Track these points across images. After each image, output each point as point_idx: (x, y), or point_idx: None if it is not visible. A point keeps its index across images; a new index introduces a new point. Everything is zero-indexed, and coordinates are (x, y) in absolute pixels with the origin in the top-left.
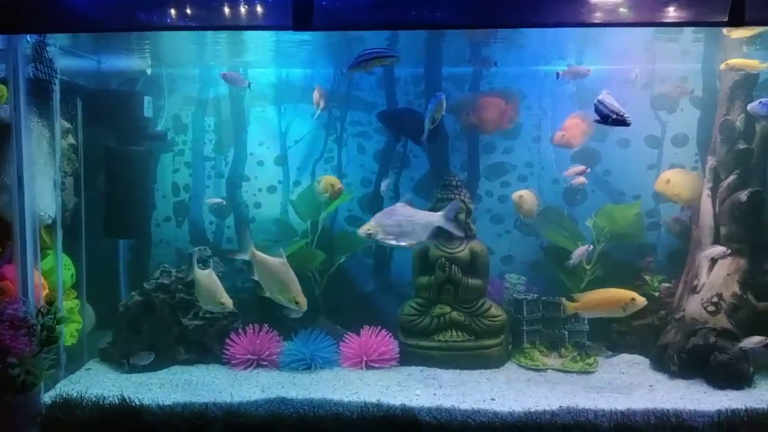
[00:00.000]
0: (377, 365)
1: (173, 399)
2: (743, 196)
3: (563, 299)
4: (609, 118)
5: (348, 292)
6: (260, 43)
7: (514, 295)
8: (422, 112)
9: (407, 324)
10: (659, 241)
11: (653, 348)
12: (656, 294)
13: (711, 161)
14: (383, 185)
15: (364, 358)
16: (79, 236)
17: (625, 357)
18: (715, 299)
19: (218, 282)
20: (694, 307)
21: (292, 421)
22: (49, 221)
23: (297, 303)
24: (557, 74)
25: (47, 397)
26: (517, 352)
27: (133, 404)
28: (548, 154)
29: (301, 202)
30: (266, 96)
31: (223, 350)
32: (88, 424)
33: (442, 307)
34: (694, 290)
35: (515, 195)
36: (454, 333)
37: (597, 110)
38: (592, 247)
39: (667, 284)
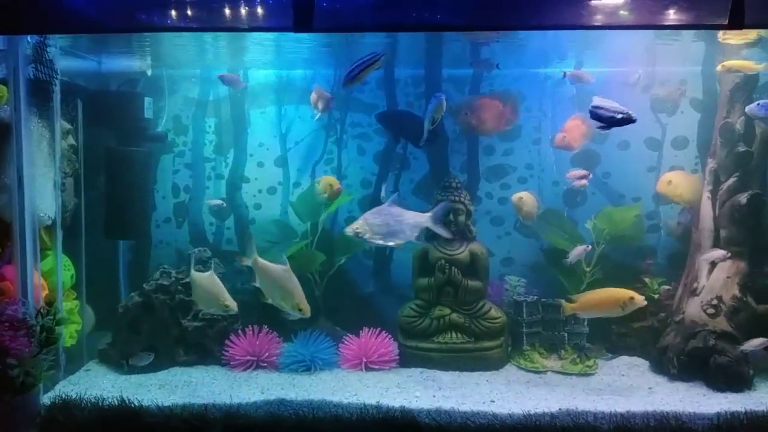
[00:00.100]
0: (377, 367)
1: (172, 400)
2: (743, 198)
3: (562, 300)
4: (614, 119)
5: (348, 293)
6: (260, 44)
7: (514, 297)
8: (422, 115)
9: (407, 325)
10: (659, 243)
11: (653, 350)
12: (656, 296)
13: (711, 164)
14: (383, 189)
15: (364, 360)
16: (78, 237)
17: (625, 359)
18: (714, 302)
19: (221, 284)
20: (693, 309)
21: (291, 423)
22: (49, 222)
23: (300, 310)
24: (564, 73)
25: (46, 398)
26: (517, 354)
27: (133, 405)
28: (548, 156)
29: (301, 204)
30: (266, 97)
31: (223, 351)
32: (87, 425)
33: (442, 309)
34: (693, 293)
35: (515, 197)
36: (454, 335)
37: (596, 116)
38: (590, 247)
39: (666, 287)
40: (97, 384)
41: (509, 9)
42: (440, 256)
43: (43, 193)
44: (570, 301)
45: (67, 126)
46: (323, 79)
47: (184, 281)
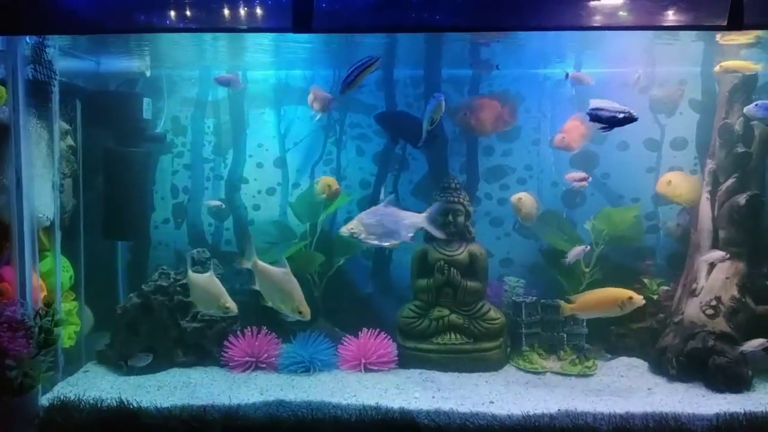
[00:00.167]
0: (376, 368)
1: (171, 401)
2: (742, 199)
3: (560, 301)
4: (615, 119)
5: (347, 294)
6: (259, 44)
7: (513, 298)
8: (420, 115)
9: (406, 327)
10: (658, 244)
11: (652, 351)
12: (655, 297)
13: (710, 164)
14: (382, 192)
15: (363, 361)
16: (77, 238)
17: (624, 360)
18: (713, 302)
19: (220, 285)
20: (692, 310)
21: (290, 424)
22: (48, 223)
23: (300, 312)
24: (566, 74)
25: (45, 400)
26: (516, 355)
27: (131, 407)
28: (547, 157)
29: (300, 205)
30: (266, 98)
31: (222, 352)
32: (85, 427)
33: (441, 310)
34: (692, 293)
35: (514, 198)
36: (453, 336)
37: (597, 117)
38: (588, 247)
39: (665, 287)
40: (96, 385)
41: (509, 10)
42: (439, 257)
43: (42, 194)
44: (569, 301)
45: (66, 127)
46: (322, 80)
47: (182, 282)
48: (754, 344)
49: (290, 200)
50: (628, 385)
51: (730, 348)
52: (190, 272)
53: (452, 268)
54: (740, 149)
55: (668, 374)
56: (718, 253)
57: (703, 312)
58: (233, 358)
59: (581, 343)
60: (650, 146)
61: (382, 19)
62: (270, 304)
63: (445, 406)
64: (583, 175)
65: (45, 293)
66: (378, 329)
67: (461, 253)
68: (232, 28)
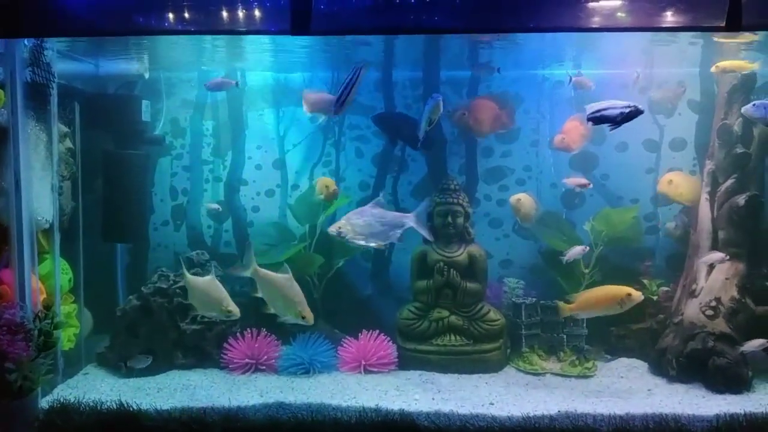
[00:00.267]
0: (376, 370)
1: (171, 404)
2: (741, 200)
3: (558, 302)
4: (623, 114)
5: (346, 296)
6: (258, 46)
7: (513, 299)
8: (418, 117)
9: (406, 328)
10: (657, 245)
11: (652, 352)
12: (655, 298)
13: (709, 165)
14: (381, 196)
15: (363, 363)
16: (76, 240)
17: (624, 361)
18: (713, 303)
19: (222, 288)
20: (692, 311)
21: (290, 426)
22: (47, 225)
23: (304, 318)
24: (570, 78)
25: (44, 402)
26: (516, 356)
27: (131, 409)
28: (546, 158)
29: (299, 206)
30: (264, 100)
31: (221, 354)
32: (85, 429)
33: (441, 312)
34: (692, 294)
35: (513, 198)
36: (453, 337)
37: (603, 118)
38: (588, 248)
39: (665, 288)
40: (96, 387)
41: (507, 11)
42: (439, 258)
43: (41, 196)
44: (567, 302)
45: (65, 129)
46: (321, 82)
47: (181, 285)
48: (754, 344)
49: (289, 202)
50: (628, 386)
51: (729, 349)
52: (188, 275)
53: (452, 270)
54: (739, 150)
55: (668, 375)
56: (718, 255)
57: (703, 313)
58: (233, 360)
59: (581, 345)
60: (649, 147)
61: (380, 21)
62: (272, 311)
63: (445, 407)
64: (584, 181)
65: (44, 296)
66: (378, 331)
67: (461, 254)
68: (230, 30)
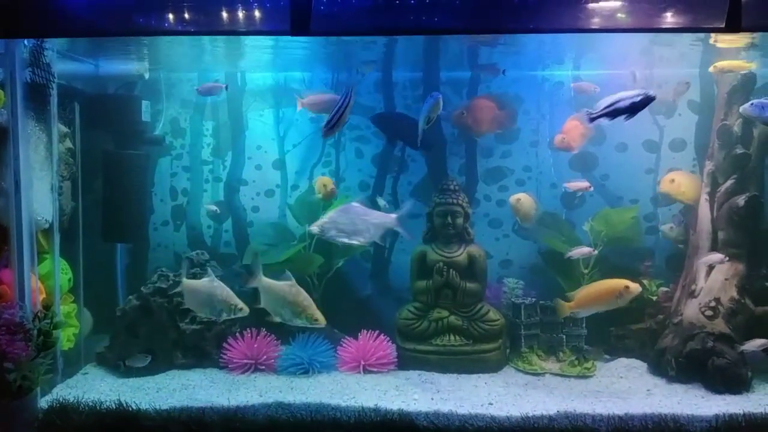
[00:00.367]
0: (375, 369)
1: (170, 403)
2: (741, 200)
3: (558, 300)
4: (635, 104)
5: (346, 296)
6: (258, 46)
7: (512, 300)
8: (417, 117)
9: (405, 328)
10: (657, 245)
11: (651, 352)
12: (654, 298)
13: (709, 166)
14: (380, 201)
15: (362, 363)
16: (76, 240)
17: (623, 361)
18: (713, 304)
19: (226, 286)
20: (692, 311)
21: (289, 426)
22: (47, 225)
23: (316, 320)
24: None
25: (44, 402)
26: (515, 356)
27: (130, 409)
28: (546, 159)
29: (298, 206)
30: (264, 100)
31: (221, 354)
32: (85, 429)
33: (440, 312)
34: (692, 295)
35: (513, 198)
36: (452, 337)
37: (616, 111)
38: (596, 251)
39: (665, 288)
40: (95, 387)
41: (507, 12)
42: (438, 258)
43: (41, 196)
44: (566, 300)
45: (65, 129)
46: (322, 82)
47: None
48: (755, 344)
49: (289, 202)
50: (627, 387)
51: (729, 349)
52: (185, 280)
53: (451, 270)
54: (739, 150)
55: (667, 375)
56: (717, 256)
57: (702, 313)
58: (232, 360)
59: (580, 345)
60: (649, 147)
61: (380, 21)
62: (279, 319)
63: (444, 407)
64: (585, 185)
65: (44, 296)
66: (377, 331)
67: (460, 254)
68: (230, 30)
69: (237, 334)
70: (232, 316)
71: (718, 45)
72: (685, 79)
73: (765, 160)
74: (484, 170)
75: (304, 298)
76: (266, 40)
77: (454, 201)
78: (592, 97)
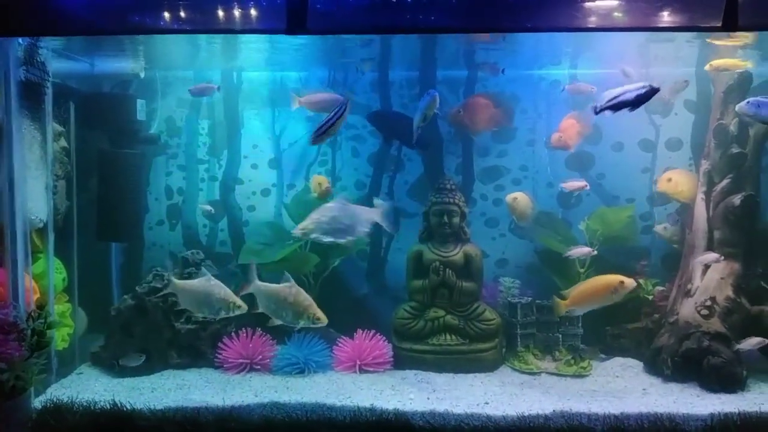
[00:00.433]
0: (371, 369)
1: (165, 403)
2: (737, 200)
3: (554, 297)
4: (640, 96)
5: (342, 295)
6: (254, 45)
7: (509, 299)
8: (413, 116)
9: (401, 327)
10: (653, 244)
11: (647, 351)
12: (650, 297)
13: (705, 165)
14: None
15: (358, 362)
16: (71, 239)
17: (619, 360)
18: (708, 303)
19: (223, 285)
20: (687, 310)
21: (284, 426)
22: (41, 224)
23: (318, 319)
24: (563, 88)
25: (38, 402)
26: (511, 355)
27: (125, 409)
28: (542, 158)
29: (294, 205)
30: (260, 99)
31: (216, 354)
32: (79, 429)
33: (437, 311)
34: (687, 294)
35: (509, 197)
36: (448, 337)
37: (622, 104)
38: (595, 251)
39: (661, 288)
40: (90, 387)
41: (503, 11)
42: (434, 257)
43: (35, 195)
44: (562, 298)
45: (59, 128)
46: (318, 81)
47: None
48: (751, 343)
49: (285, 201)
50: (623, 386)
51: (724, 348)
52: (176, 281)
53: (447, 269)
54: (735, 150)
55: (663, 374)
56: (713, 255)
57: (698, 312)
58: (227, 360)
59: (576, 344)
60: (645, 147)
61: (376, 20)
62: (279, 322)
63: (440, 407)
64: (581, 184)
65: (38, 295)
66: (373, 330)
67: (456, 253)
68: (226, 29)
69: (232, 334)
70: (231, 314)
71: (715, 44)
72: (683, 77)
73: (761, 159)
74: (480, 169)
75: (305, 297)
76: (262, 39)
77: (451, 200)
78: (589, 97)
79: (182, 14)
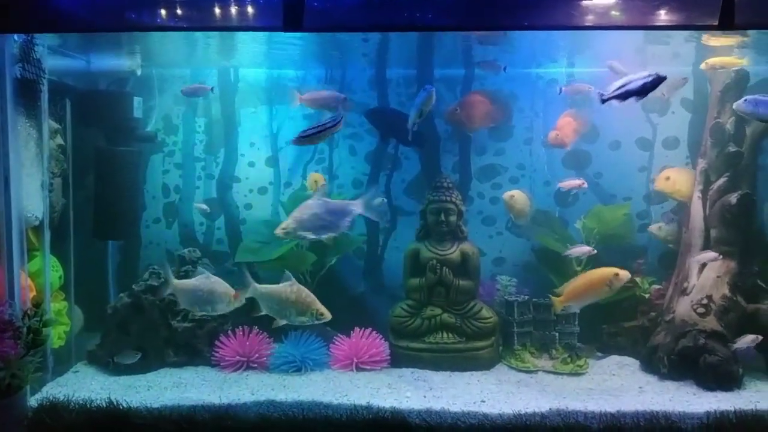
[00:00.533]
0: (368, 367)
1: (161, 401)
2: (733, 198)
3: (550, 296)
4: (647, 85)
5: (339, 293)
6: (251, 43)
7: (505, 297)
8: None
9: (398, 326)
10: (650, 243)
11: (643, 350)
12: (647, 296)
13: (701, 164)
14: (376, 200)
15: (355, 360)
16: (67, 238)
17: (615, 359)
18: (704, 301)
19: (223, 281)
20: (684, 308)
21: (281, 424)
22: (37, 222)
23: (322, 315)
24: (560, 89)
25: (34, 401)
26: (508, 353)
27: (121, 407)
28: (540, 156)
29: (291, 204)
30: (257, 96)
31: (213, 352)
32: (75, 427)
33: (433, 309)
34: (684, 292)
35: (506, 195)
36: (445, 335)
37: (627, 93)
38: (596, 251)
39: (657, 286)
40: (86, 385)
41: (501, 9)
42: (431, 256)
43: (31, 193)
44: (557, 295)
45: (55, 126)
46: (315, 79)
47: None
48: (747, 340)
49: (282, 199)
50: (620, 384)
51: (721, 346)
52: (176, 281)
53: (444, 267)
54: (732, 148)
55: (659, 373)
56: (711, 254)
57: (695, 310)
58: (224, 358)
59: (573, 342)
60: (642, 145)
61: (373, 18)
62: (284, 322)
63: (437, 405)
64: (579, 182)
65: (34, 293)
66: (370, 328)
67: (453, 252)
68: (223, 26)
69: (229, 332)
70: (231, 309)
71: (711, 43)
72: (682, 74)
73: (757, 158)
74: (477, 168)
75: (307, 294)
76: (259, 36)
77: (448, 198)
78: (586, 96)
79: (179, 11)
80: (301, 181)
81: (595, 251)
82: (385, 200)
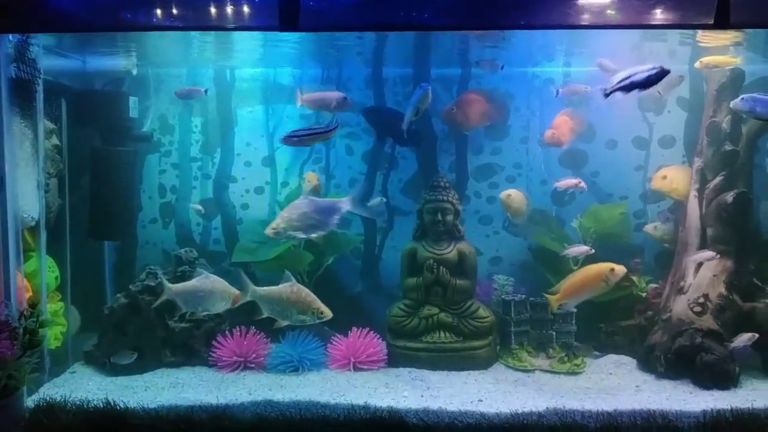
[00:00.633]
0: (365, 367)
1: (158, 402)
2: (729, 197)
3: (545, 295)
4: (650, 78)
5: (336, 293)
6: (247, 43)
7: (502, 296)
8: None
9: (395, 325)
10: (646, 242)
11: (640, 349)
12: (643, 295)
13: (698, 163)
14: (375, 199)
15: (352, 360)
16: (63, 238)
17: (613, 358)
18: (701, 300)
19: (221, 280)
20: (680, 307)
21: (279, 424)
22: (33, 223)
23: (322, 314)
24: (557, 92)
25: (30, 401)
26: (505, 353)
27: (118, 407)
28: (536, 155)
29: (288, 203)
30: (254, 96)
31: (210, 352)
32: (72, 428)
33: (430, 309)
34: (680, 291)
35: (503, 194)
36: (442, 334)
37: (632, 85)
38: (593, 251)
39: (654, 285)
40: (83, 386)
41: (498, 8)
42: (428, 255)
43: (27, 193)
44: (553, 293)
45: (51, 126)
46: (311, 78)
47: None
48: (743, 339)
49: (279, 199)
50: (617, 383)
51: (717, 345)
52: (172, 286)
53: (441, 267)
54: (728, 147)
55: (656, 371)
56: (708, 253)
57: (691, 309)
58: (221, 358)
59: (570, 341)
60: (639, 144)
61: (370, 17)
62: (286, 323)
63: (434, 404)
64: (575, 181)
65: (30, 294)
66: (367, 328)
67: (450, 251)
68: (219, 26)
69: (226, 332)
70: (231, 308)
71: (707, 42)
72: (679, 72)
73: (753, 156)
74: (474, 167)
75: (307, 294)
76: (255, 36)
77: (445, 198)
78: (583, 96)
79: (175, 11)
80: (298, 181)
81: (593, 251)
82: (384, 200)
